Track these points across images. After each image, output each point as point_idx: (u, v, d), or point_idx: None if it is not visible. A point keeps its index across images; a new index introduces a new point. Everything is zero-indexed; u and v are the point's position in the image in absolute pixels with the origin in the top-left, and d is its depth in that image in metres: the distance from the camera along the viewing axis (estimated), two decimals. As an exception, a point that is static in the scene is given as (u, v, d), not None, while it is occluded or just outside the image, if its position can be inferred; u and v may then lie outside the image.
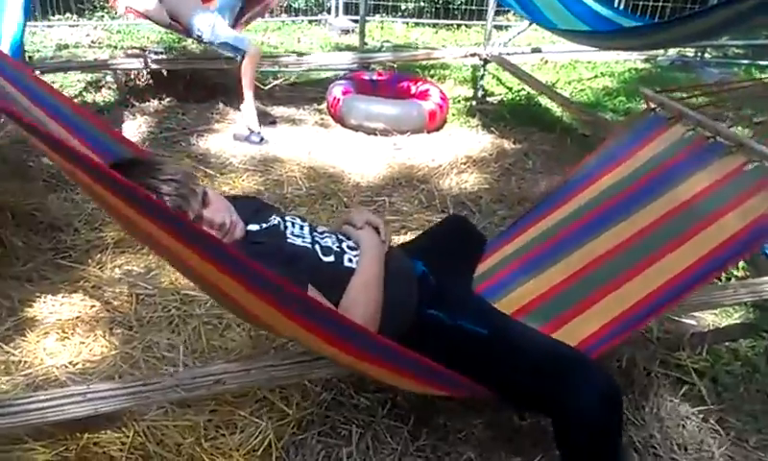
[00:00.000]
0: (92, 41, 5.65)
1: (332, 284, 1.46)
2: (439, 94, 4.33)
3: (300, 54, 5.16)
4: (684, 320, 2.27)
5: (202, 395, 1.67)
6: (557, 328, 1.66)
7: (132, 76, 4.36)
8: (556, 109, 4.49)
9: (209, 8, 3.93)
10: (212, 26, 3.76)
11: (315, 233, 1.59)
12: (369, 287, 1.48)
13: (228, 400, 1.82)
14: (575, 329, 1.64)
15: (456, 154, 3.77)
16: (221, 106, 4.38)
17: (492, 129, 4.21)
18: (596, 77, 5.53)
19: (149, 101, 4.33)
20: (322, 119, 4.36)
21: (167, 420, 1.73)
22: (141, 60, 4.15)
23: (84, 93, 4.46)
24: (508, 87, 5.07)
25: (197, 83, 4.48)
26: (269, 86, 4.46)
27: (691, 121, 1.90)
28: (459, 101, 4.79)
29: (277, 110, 4.44)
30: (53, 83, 4.54)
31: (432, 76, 5.34)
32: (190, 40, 4.78)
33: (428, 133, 4.15)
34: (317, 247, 1.53)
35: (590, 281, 1.72)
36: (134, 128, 3.97)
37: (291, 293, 1.24)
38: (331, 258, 1.52)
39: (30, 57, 3.93)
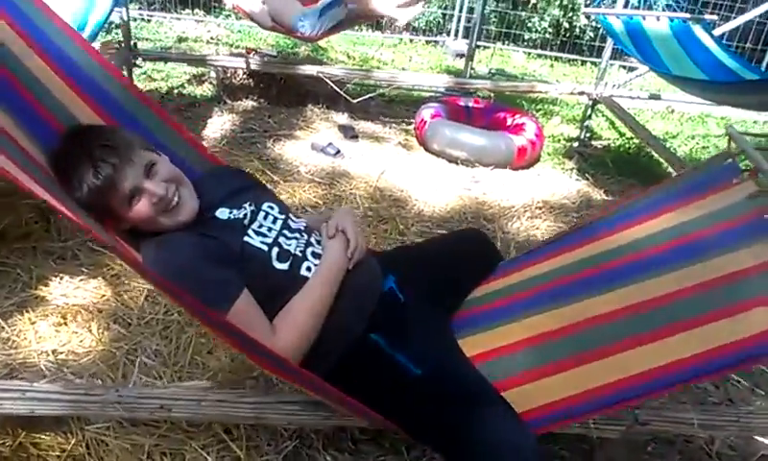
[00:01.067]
0: (211, 38, 5.87)
1: (277, 292, 1.36)
2: (534, 130, 3.99)
3: (393, 71, 4.99)
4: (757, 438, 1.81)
5: (142, 417, 1.53)
6: (514, 386, 1.43)
7: (230, 74, 4.43)
8: (666, 165, 3.98)
9: (311, 8, 3.94)
10: (314, 23, 3.77)
11: (284, 231, 1.46)
12: (307, 312, 1.35)
13: (183, 426, 1.66)
14: (533, 393, 1.41)
15: (534, 196, 3.42)
16: (308, 114, 4.33)
17: (588, 175, 3.81)
18: (726, 135, 4.88)
19: (241, 100, 4.38)
20: (406, 141, 4.17)
21: (113, 435, 1.60)
22: (239, 59, 4.19)
23: (186, 85, 4.61)
24: (620, 133, 4.60)
25: (290, 88, 4.46)
26: (358, 100, 4.35)
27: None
28: (559, 140, 4.41)
29: (363, 125, 4.32)
30: (160, 72, 4.74)
31: (538, 111, 4.99)
32: (289, 46, 4.84)
33: (514, 169, 3.83)
34: (274, 250, 1.39)
35: (576, 342, 1.45)
36: (218, 124, 4.01)
37: (207, 314, 1.16)
38: (286, 266, 1.38)
39: (134, 43, 4.10)
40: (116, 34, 5.24)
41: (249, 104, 4.36)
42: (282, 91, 4.44)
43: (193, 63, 4.38)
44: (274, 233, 1.43)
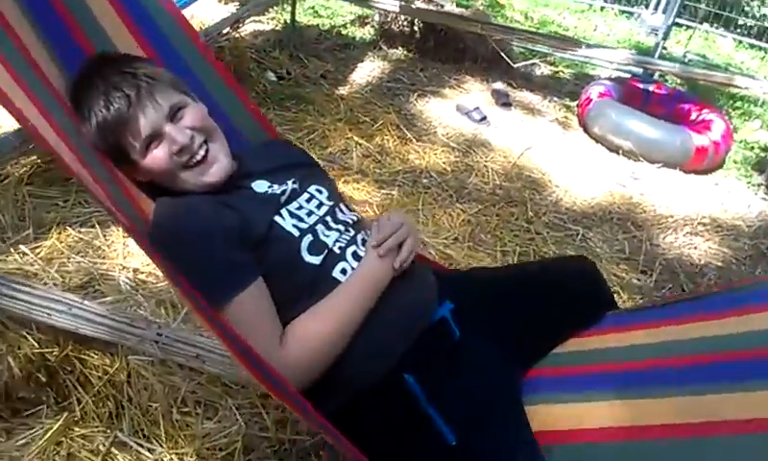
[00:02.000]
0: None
1: (301, 291, 1.07)
2: (722, 130, 3.36)
3: (566, 39, 4.46)
4: None
5: (175, 360, 1.44)
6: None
7: (390, 19, 4.24)
8: None
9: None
10: None
11: (326, 219, 1.18)
12: (327, 329, 1.04)
13: (223, 380, 1.56)
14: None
15: (701, 208, 2.87)
16: (462, 72, 4.04)
17: (779, 195, 3.14)
18: None
19: (396, 48, 4.19)
20: (565, 118, 3.74)
21: (153, 371, 1.54)
22: (398, 3, 3.99)
23: (349, 25, 4.51)
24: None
25: (449, 42, 4.17)
26: (521, 65, 3.96)
27: None
28: (752, 147, 3.69)
29: (520, 94, 3.93)
30: (327, 9, 4.69)
31: (735, 109, 4.23)
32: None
33: (686, 172, 3.26)
34: (306, 239, 1.11)
35: (696, 450, 0.99)
36: (368, 69, 3.86)
37: (201, 302, 0.90)
38: (317, 260, 1.09)
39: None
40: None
41: (403, 53, 4.16)
42: (440, 44, 4.16)
43: (357, 3, 4.25)
44: (313, 219, 1.16)
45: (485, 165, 3.01)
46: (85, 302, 1.44)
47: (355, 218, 1.24)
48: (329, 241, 1.13)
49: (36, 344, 1.48)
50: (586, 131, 3.57)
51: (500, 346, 1.15)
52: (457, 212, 2.61)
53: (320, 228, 1.15)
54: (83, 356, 1.52)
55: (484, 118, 3.47)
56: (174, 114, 1.11)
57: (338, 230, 1.16)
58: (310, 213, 1.17)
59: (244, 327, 0.97)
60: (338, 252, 1.13)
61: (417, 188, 2.73)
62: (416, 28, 4.21)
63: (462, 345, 1.13)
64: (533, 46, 4.14)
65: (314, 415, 0.93)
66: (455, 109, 3.55)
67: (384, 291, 1.10)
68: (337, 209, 1.22)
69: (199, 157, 1.12)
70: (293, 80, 3.46)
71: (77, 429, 1.42)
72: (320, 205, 1.20)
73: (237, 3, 4.09)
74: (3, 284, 1.42)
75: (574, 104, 3.82)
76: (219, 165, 1.14)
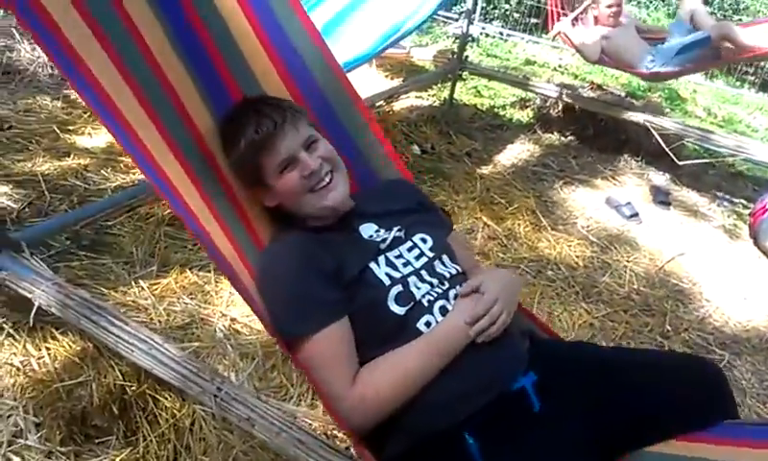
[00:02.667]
0: (559, 66, 5.62)
1: (382, 339, 1.12)
2: None
3: (749, 140, 3.97)
4: None
5: (230, 419, 1.44)
6: None
7: (549, 104, 4.14)
8: None
9: (667, 45, 3.46)
10: (666, 60, 3.33)
11: (422, 272, 1.21)
12: (397, 380, 1.08)
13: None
14: None
15: None
16: (620, 164, 3.79)
17: None
18: None
19: (551, 133, 4.06)
20: (733, 226, 3.31)
21: (213, 424, 1.56)
22: (557, 88, 3.88)
23: (508, 107, 4.47)
24: None
25: (609, 132, 3.96)
26: (688, 163, 3.61)
27: None
28: None
29: (683, 194, 3.58)
30: (489, 89, 4.69)
31: None
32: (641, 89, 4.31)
33: None
34: (395, 289, 1.16)
35: None
36: (515, 152, 3.78)
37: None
38: (401, 310, 1.14)
39: (466, 56, 4.11)
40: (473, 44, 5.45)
41: (557, 138, 4.01)
42: (599, 134, 3.96)
43: (516, 85, 4.22)
44: (408, 270, 1.20)
45: (625, 265, 2.75)
46: (165, 345, 1.51)
47: (454, 272, 1.25)
48: (418, 294, 1.17)
49: (120, 375, 1.59)
50: (755, 243, 3.12)
51: (585, 429, 1.09)
52: (580, 312, 2.39)
53: (412, 279, 1.19)
54: (157, 396, 1.60)
55: (635, 215, 3.19)
56: (309, 144, 1.25)
57: (430, 284, 1.19)
58: (407, 263, 1.21)
59: (317, 367, 1.09)
60: (426, 304, 1.16)
61: (539, 279, 2.55)
62: (576, 114, 4.06)
63: (541, 419, 1.09)
64: (708, 144, 3.76)
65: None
66: (604, 201, 3.32)
67: (468, 350, 1.10)
68: (437, 261, 1.25)
69: (324, 183, 1.24)
70: (436, 155, 3.48)
71: (136, 466, 1.48)
72: (420, 255, 1.24)
73: (400, 78, 4.28)
74: (102, 315, 1.54)
75: (747, 211, 3.38)
76: (337, 192, 1.25)
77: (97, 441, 1.51)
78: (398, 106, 3.80)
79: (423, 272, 1.22)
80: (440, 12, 6.16)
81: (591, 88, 4.43)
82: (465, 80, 4.66)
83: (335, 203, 1.26)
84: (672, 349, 2.27)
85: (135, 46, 1.15)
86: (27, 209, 2.27)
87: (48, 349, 1.63)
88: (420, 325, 1.14)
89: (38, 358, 1.61)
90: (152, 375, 1.51)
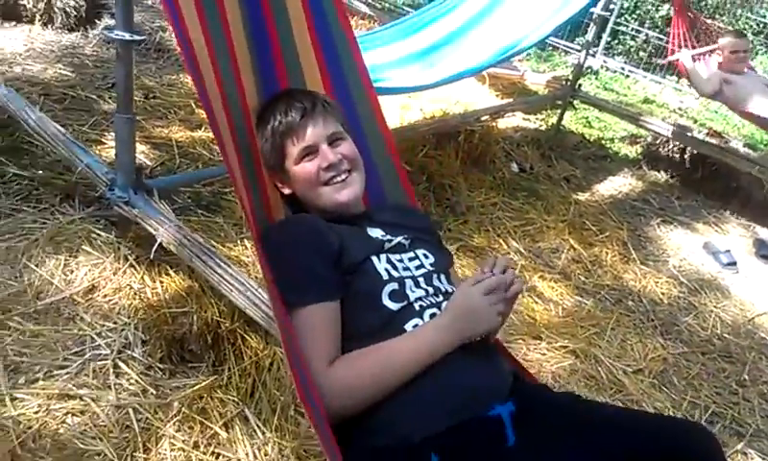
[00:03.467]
0: (679, 108, 5.48)
1: (370, 332, 1.11)
2: None
3: None
4: None
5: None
6: None
7: (659, 142, 4.07)
8: None
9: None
10: None
11: (419, 279, 1.20)
12: (376, 370, 1.06)
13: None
14: None
15: None
16: (725, 212, 3.67)
17: None
18: None
19: (657, 171, 4.00)
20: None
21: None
22: (668, 127, 3.82)
23: (617, 141, 4.44)
24: None
25: (719, 178, 3.83)
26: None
27: None
28: None
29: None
30: (600, 121, 4.66)
31: None
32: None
33: None
34: (391, 285, 1.16)
35: None
36: (617, 184, 3.76)
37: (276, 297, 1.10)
38: (394, 307, 1.13)
39: (579, 85, 4.14)
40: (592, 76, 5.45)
41: (662, 177, 3.95)
42: (708, 178, 3.85)
43: (625, 118, 4.18)
44: (406, 273, 1.21)
45: (711, 310, 2.69)
46: (259, 289, 1.71)
47: (451, 290, 1.23)
48: (412, 296, 1.16)
49: (217, 312, 1.81)
50: None
51: None
52: (654, 345, 2.38)
53: (408, 282, 1.19)
54: (245, 335, 1.80)
55: (732, 264, 3.10)
56: (333, 140, 1.30)
57: (426, 291, 1.19)
58: (406, 267, 1.22)
59: (305, 336, 1.08)
60: (417, 308, 1.15)
61: (618, 307, 2.57)
62: (686, 156, 3.97)
63: (513, 455, 1.03)
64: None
65: (333, 447, 0.98)
66: (701, 245, 3.25)
67: (455, 359, 1.07)
68: (435, 276, 1.24)
69: (341, 178, 1.28)
70: (534, 175, 3.54)
71: (218, 393, 1.68)
72: (420, 266, 1.24)
73: (510, 98, 4.36)
74: (211, 257, 1.78)
75: None
76: (352, 189, 1.29)
77: (190, 365, 1.73)
78: (505, 124, 3.89)
79: (421, 279, 1.21)
80: (560, 42, 6.18)
81: (710, 134, 4.31)
82: (577, 109, 4.67)
83: (348, 199, 1.28)
84: (747, 398, 2.22)
85: (218, 14, 1.34)
86: (159, 168, 2.59)
87: (161, 281, 1.89)
88: (409, 326, 1.12)
89: (152, 288, 1.87)
90: (244, 314, 1.72)
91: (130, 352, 1.66)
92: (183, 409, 1.56)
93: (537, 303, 2.43)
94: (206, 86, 1.19)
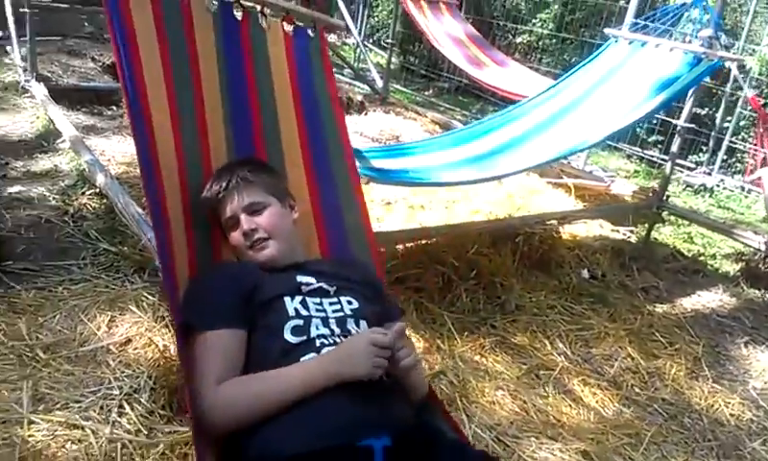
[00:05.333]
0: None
1: (267, 361, 1.23)
2: None
3: None
4: None
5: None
6: None
7: (759, 257, 3.74)
8: None
9: None
10: None
11: (328, 319, 1.32)
12: (260, 394, 1.18)
13: None
14: None
15: None
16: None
17: None
18: None
19: (757, 288, 3.64)
20: None
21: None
22: (763, 241, 3.52)
23: (719, 258, 4.13)
24: None
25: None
26: None
27: None
28: None
29: None
30: (704, 237, 4.39)
31: None
32: None
33: None
34: (296, 321, 1.28)
35: None
36: (705, 299, 3.47)
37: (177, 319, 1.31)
38: (293, 340, 1.25)
39: (668, 196, 3.96)
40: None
41: (762, 295, 3.58)
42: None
43: (717, 231, 3.91)
44: (318, 314, 1.31)
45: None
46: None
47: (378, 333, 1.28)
48: (314, 332, 1.26)
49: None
50: None
51: None
52: (706, 466, 2.14)
53: (315, 320, 1.30)
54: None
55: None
56: (252, 210, 1.47)
57: (332, 331, 1.29)
58: (321, 310, 1.33)
59: (199, 357, 1.22)
60: (317, 345, 1.25)
61: (670, 423, 2.34)
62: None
63: None
64: None
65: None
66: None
67: (335, 391, 1.15)
68: (352, 320, 1.33)
69: (258, 245, 1.46)
70: (605, 283, 3.40)
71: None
72: (338, 310, 1.35)
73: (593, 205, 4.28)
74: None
75: None
76: (269, 251, 1.46)
77: (188, 415, 1.86)
78: (581, 230, 3.81)
79: (332, 320, 1.31)
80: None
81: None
82: (678, 225, 4.45)
83: (266, 259, 1.45)
84: None
85: (187, 60, 1.53)
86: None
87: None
88: (304, 359, 1.21)
89: (175, 344, 2.07)
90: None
91: (137, 396, 1.84)
92: (166, 451, 1.68)
93: (569, 405, 2.30)
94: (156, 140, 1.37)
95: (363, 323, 1.36)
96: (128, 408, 1.79)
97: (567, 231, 3.69)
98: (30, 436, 1.64)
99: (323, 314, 1.32)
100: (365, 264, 1.70)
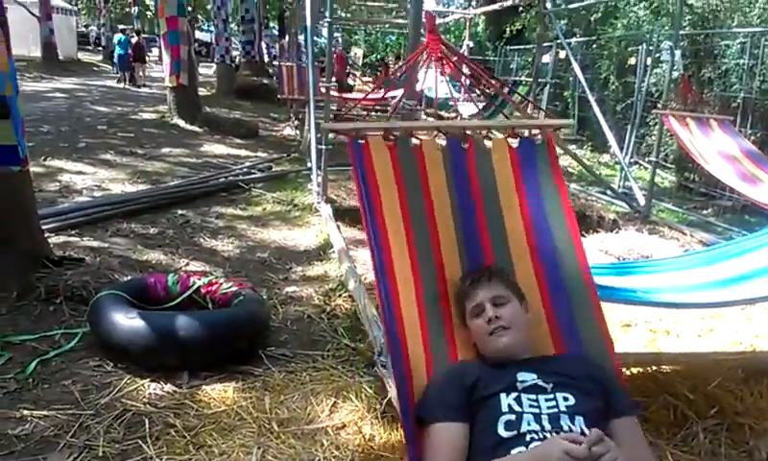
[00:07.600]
0: None
1: (482, 453, 1.35)
2: None
3: None
4: None
5: None
6: None
7: None
8: None
9: None
10: None
11: (541, 415, 1.37)
12: None
13: None
14: None
15: None
16: None
17: None
18: None
19: None
20: None
21: None
22: None
23: None
24: None
25: None
26: None
27: None
28: None
29: None
30: None
31: None
32: None
33: None
34: (509, 416, 1.38)
35: None
36: None
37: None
38: (505, 434, 1.35)
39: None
40: None
41: None
42: None
43: None
44: (531, 409, 1.37)
45: None
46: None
47: (579, 431, 1.34)
48: (525, 428, 1.34)
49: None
50: None
51: None
52: None
53: (527, 416, 1.37)
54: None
55: None
56: (496, 302, 1.63)
57: (543, 427, 1.34)
58: (533, 405, 1.40)
59: (428, 449, 1.41)
60: (527, 439, 1.31)
61: None
62: None
63: None
64: None
65: None
66: None
67: None
68: (567, 417, 1.37)
69: (497, 331, 1.59)
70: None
71: None
72: (553, 406, 1.40)
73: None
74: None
75: None
76: (503, 341, 1.58)
77: None
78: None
79: (544, 417, 1.35)
80: None
81: None
82: None
83: (503, 346, 1.57)
84: None
85: (421, 194, 1.76)
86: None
87: (389, 433, 2.26)
88: (513, 452, 1.30)
89: (380, 436, 2.25)
90: None
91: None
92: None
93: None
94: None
95: (579, 419, 1.38)
96: (329, 486, 2.01)
97: None
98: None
99: (536, 410, 1.40)
100: (593, 358, 1.72)
